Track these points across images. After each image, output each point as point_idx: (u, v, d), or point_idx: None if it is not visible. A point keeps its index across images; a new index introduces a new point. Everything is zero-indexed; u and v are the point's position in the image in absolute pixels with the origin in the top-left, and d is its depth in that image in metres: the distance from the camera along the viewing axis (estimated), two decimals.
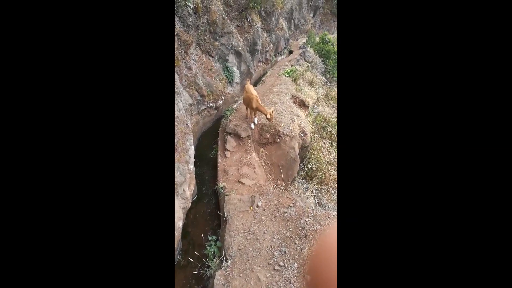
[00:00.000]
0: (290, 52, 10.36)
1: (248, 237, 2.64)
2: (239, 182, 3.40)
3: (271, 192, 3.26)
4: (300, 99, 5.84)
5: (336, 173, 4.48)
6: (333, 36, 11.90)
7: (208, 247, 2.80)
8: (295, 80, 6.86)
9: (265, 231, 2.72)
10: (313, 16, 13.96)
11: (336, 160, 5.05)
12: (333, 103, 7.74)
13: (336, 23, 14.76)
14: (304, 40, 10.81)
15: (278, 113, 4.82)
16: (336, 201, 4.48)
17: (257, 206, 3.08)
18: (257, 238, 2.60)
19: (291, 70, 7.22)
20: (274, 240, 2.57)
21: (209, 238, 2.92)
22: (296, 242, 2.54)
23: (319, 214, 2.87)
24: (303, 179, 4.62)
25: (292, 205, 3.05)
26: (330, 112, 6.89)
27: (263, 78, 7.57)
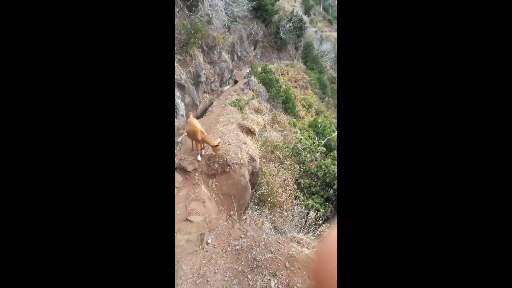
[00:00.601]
0: (235, 82, 10.86)
1: (198, 282, 2.47)
2: (187, 220, 3.22)
3: (222, 226, 3.17)
4: (247, 126, 6.06)
5: (285, 195, 4.63)
6: (273, 66, 13.01)
7: None
8: (241, 109, 7.14)
9: (216, 270, 2.58)
10: (254, 49, 15.15)
11: (286, 181, 5.26)
12: (279, 127, 8.24)
13: (275, 54, 16.24)
14: (248, 70, 11.53)
15: (226, 142, 4.88)
16: (291, 222, 4.58)
17: (207, 243, 2.94)
18: (207, 281, 2.44)
19: (236, 99, 7.53)
20: (226, 278, 2.46)
21: None
22: (249, 276, 2.47)
23: (270, 241, 2.89)
24: (256, 205, 4.63)
25: (243, 236, 3.00)
26: (277, 136, 7.28)
27: (210, 109, 7.68)
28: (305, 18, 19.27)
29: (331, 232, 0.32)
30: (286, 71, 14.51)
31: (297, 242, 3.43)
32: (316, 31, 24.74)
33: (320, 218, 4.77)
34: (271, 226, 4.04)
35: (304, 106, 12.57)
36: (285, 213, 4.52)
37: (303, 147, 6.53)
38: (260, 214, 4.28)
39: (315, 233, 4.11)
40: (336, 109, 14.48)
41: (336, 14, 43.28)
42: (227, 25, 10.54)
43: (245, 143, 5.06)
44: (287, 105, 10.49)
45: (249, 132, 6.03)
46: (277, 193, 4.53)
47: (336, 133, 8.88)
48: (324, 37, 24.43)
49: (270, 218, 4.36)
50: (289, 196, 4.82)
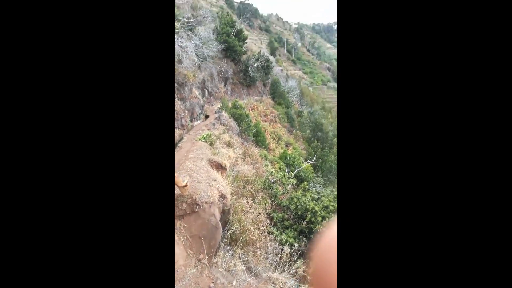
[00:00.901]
0: (206, 117, 11.01)
1: None
2: None
3: (189, 275, 2.92)
4: (217, 162, 6.03)
5: (258, 232, 4.52)
6: (243, 102, 13.57)
7: None
8: (211, 144, 7.14)
9: None
10: (225, 85, 15.81)
11: (258, 217, 5.16)
12: (251, 160, 8.32)
13: (245, 90, 17.08)
14: (219, 105, 11.84)
15: (195, 180, 4.74)
16: (265, 260, 4.40)
17: None
18: None
19: (207, 134, 7.56)
20: None
21: None
22: None
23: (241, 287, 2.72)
24: (228, 246, 4.41)
25: (212, 285, 2.79)
26: (249, 169, 7.31)
27: (179, 144, 7.55)
28: (271, 58, 21.04)
29: (327, 232, 0.31)
30: (255, 106, 15.20)
31: (273, 283, 3.26)
32: (281, 70, 26.89)
33: (295, 253, 4.67)
34: (244, 268, 3.82)
35: (274, 139, 13.02)
36: (259, 252, 4.35)
37: (274, 179, 6.60)
38: (232, 255, 4.06)
39: (290, 271, 3.98)
40: (305, 141, 15.23)
41: (298, 56, 47.92)
42: (198, 64, 11.00)
43: (215, 180, 4.97)
44: (258, 138, 10.78)
45: (220, 167, 5.98)
46: (250, 231, 4.40)
47: (305, 164, 9.21)
48: (289, 75, 26.59)
49: (243, 258, 4.14)
50: (262, 232, 4.70)
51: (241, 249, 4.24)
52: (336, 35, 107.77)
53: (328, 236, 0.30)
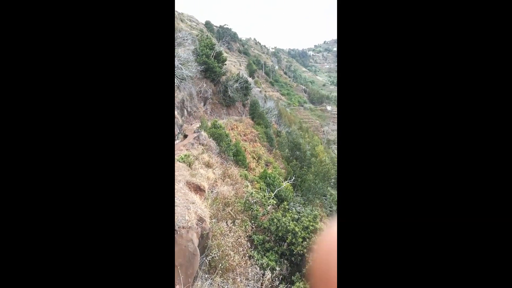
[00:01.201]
0: (185, 136, 10.81)
1: None
2: None
3: None
4: (196, 184, 5.85)
5: (238, 257, 4.34)
6: (223, 122, 13.62)
7: None
8: (189, 165, 6.96)
9: None
10: (204, 105, 15.84)
11: (239, 240, 4.99)
12: (231, 181, 8.19)
13: (225, 110, 17.22)
14: (198, 125, 11.74)
15: None
16: (246, 287, 4.19)
17: None
18: None
19: (185, 155, 7.38)
20: None
21: None
22: None
23: None
24: (206, 273, 4.16)
25: None
26: (228, 189, 7.16)
27: None
28: (250, 79, 21.72)
29: (328, 231, 0.31)
30: (235, 126, 15.31)
31: None
32: (260, 91, 27.75)
33: (276, 278, 4.53)
34: None
35: (254, 158, 13.06)
36: (239, 279, 4.15)
37: (254, 200, 6.52)
38: (211, 284, 3.82)
39: None
40: (284, 160, 15.44)
41: (276, 78, 50.06)
42: (177, 84, 10.99)
43: (193, 203, 4.79)
44: (238, 158, 10.73)
45: (198, 189, 5.80)
46: (229, 256, 4.21)
47: (285, 183, 9.27)
48: (267, 96, 27.45)
49: (222, 287, 3.92)
50: (242, 257, 4.52)
51: (220, 277, 4.02)
52: (310, 60, 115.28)
53: (328, 236, 0.30)
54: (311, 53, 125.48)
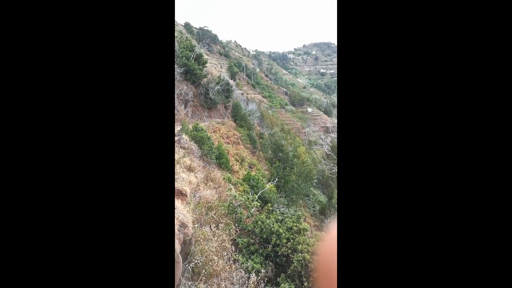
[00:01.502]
0: None
1: None
2: None
3: None
4: (177, 189, 5.68)
5: (222, 261, 4.27)
6: (204, 124, 13.42)
7: None
8: None
9: None
10: (185, 108, 15.52)
11: (223, 244, 4.91)
12: (214, 184, 8.06)
13: (206, 113, 16.99)
14: (179, 128, 11.45)
15: None
16: None
17: None
18: None
19: None
20: None
21: None
22: None
23: None
24: (189, 281, 4.03)
25: None
26: (211, 193, 7.04)
27: None
28: (231, 82, 21.65)
29: (330, 232, 0.31)
30: (217, 128, 15.15)
31: None
32: (242, 93, 27.77)
33: (262, 280, 4.51)
34: None
35: (238, 161, 12.99)
36: (223, 284, 4.07)
37: (238, 203, 6.47)
38: None
39: None
40: (267, 161, 15.52)
41: (257, 80, 50.41)
42: None
43: (175, 208, 4.64)
44: (221, 161, 10.61)
45: (180, 194, 5.64)
46: (213, 261, 4.12)
47: (268, 185, 9.31)
48: (249, 98, 27.53)
49: None
50: (226, 262, 4.45)
51: (204, 283, 3.92)
52: (290, 63, 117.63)
53: (329, 237, 0.30)
54: (291, 56, 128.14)
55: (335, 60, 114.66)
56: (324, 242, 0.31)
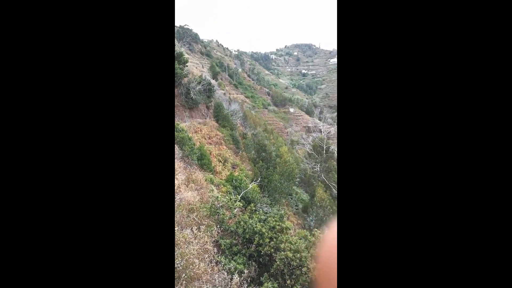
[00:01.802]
0: None
1: None
2: None
3: None
4: None
5: (204, 264, 4.18)
6: (185, 125, 13.13)
7: None
8: None
9: None
10: None
11: (204, 246, 4.81)
12: (195, 186, 7.90)
13: (187, 113, 16.63)
14: None
15: None
16: None
17: None
18: None
19: None
20: None
21: None
22: None
23: None
24: None
25: None
26: (193, 195, 6.88)
27: None
28: (213, 81, 21.39)
29: (329, 232, 0.31)
30: (199, 129, 14.88)
31: None
32: (224, 93, 27.54)
33: (245, 280, 4.47)
34: None
35: (220, 161, 12.84)
36: (205, 286, 3.99)
37: (220, 204, 6.38)
38: None
39: None
40: (251, 161, 15.51)
41: (239, 81, 50.29)
42: None
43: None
44: (203, 162, 10.42)
45: None
46: (194, 265, 4.02)
47: (251, 185, 9.29)
48: (232, 98, 27.37)
49: None
50: (208, 264, 4.37)
51: (184, 287, 3.80)
52: (272, 63, 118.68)
53: (329, 238, 0.30)
54: (273, 56, 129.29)
55: (316, 61, 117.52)
56: (324, 242, 0.31)
